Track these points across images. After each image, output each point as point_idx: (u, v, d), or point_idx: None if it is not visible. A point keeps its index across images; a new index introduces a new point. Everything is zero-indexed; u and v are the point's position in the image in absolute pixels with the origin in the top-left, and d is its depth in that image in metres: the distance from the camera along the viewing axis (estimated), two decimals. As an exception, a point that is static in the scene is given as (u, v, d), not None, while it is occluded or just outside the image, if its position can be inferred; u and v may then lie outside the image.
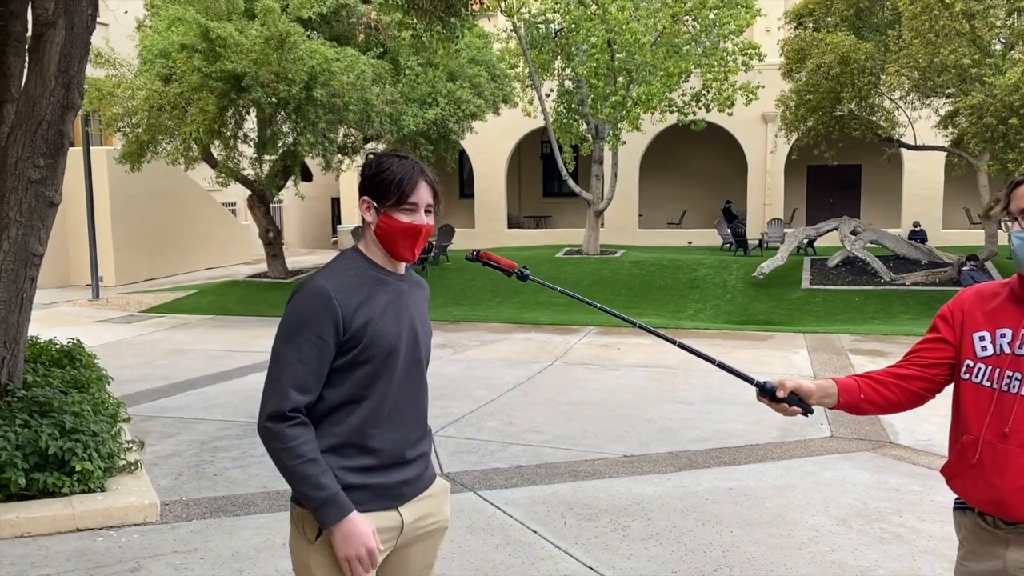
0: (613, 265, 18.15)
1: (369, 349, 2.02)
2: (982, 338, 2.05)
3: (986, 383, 2.01)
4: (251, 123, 14.90)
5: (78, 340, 6.89)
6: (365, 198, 2.10)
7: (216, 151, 15.17)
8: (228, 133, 14.27)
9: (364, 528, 1.97)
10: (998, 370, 1.99)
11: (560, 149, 19.01)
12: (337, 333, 1.99)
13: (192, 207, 20.82)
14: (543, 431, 6.71)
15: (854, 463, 5.95)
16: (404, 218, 2.06)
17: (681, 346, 2.33)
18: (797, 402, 2.11)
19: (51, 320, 13.58)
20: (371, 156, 2.16)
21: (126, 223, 18.62)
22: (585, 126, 19.36)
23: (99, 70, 14.75)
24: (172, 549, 4.15)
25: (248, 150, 15.18)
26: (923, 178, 22.14)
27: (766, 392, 2.12)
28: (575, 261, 18.78)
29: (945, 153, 18.33)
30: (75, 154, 17.69)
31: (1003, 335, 2.01)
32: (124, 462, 4.96)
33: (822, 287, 15.94)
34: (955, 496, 2.18)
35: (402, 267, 2.17)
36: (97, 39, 15.08)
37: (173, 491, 5.05)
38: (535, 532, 4.54)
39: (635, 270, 17.58)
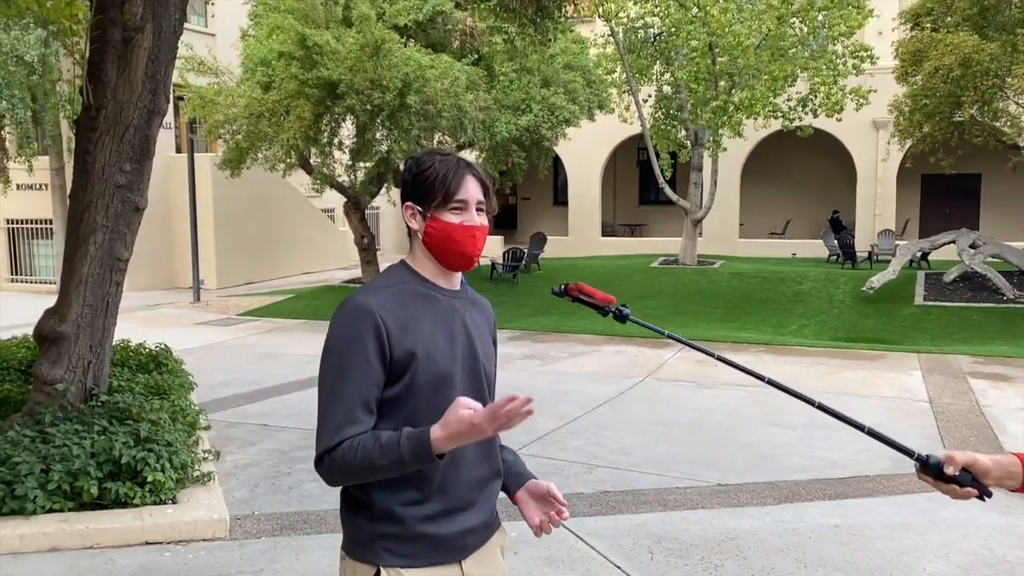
0: (711, 276, 17.52)
1: (419, 376, 1.77)
2: None
3: None
4: (347, 130, 15.02)
5: (165, 345, 6.93)
6: (409, 203, 1.86)
7: (312, 158, 15.36)
8: (324, 140, 14.40)
9: (451, 416, 1.62)
10: None
11: (657, 156, 18.51)
12: (383, 354, 1.75)
13: (292, 213, 21.25)
14: (631, 453, 6.34)
15: (977, 502, 5.36)
16: (454, 219, 1.82)
17: (820, 407, 1.91)
18: (971, 482, 1.66)
19: (153, 321, 14.01)
20: (410, 159, 1.91)
21: (228, 227, 19.13)
22: (684, 132, 18.80)
23: (202, 78, 15.15)
24: (238, 569, 4.01)
25: (343, 157, 15.31)
26: (1052, 188, 20.60)
27: (929, 469, 1.68)
28: (671, 272, 18.23)
29: (1078, 161, 16.97)
30: (180, 160, 18.39)
31: None
32: (198, 473, 4.87)
33: (937, 303, 14.92)
34: None
35: (457, 281, 1.92)
36: (201, 48, 15.58)
37: (246, 504, 4.93)
38: (619, 568, 4.20)
39: (734, 282, 16.90)
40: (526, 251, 18.76)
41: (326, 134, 14.34)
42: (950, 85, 14.44)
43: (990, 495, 1.66)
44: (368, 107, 12.80)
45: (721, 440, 6.74)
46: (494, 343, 2.04)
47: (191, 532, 4.30)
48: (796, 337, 13.02)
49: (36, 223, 19.20)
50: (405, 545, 1.77)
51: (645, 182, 26.26)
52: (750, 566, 4.27)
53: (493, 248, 21.89)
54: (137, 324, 13.28)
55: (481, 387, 1.89)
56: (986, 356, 10.82)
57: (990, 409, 7.84)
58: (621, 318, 1.97)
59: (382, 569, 1.76)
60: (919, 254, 17.81)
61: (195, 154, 17.07)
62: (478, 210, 1.84)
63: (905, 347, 11.78)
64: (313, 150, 14.70)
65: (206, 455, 5.24)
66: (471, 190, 1.82)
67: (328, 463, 1.72)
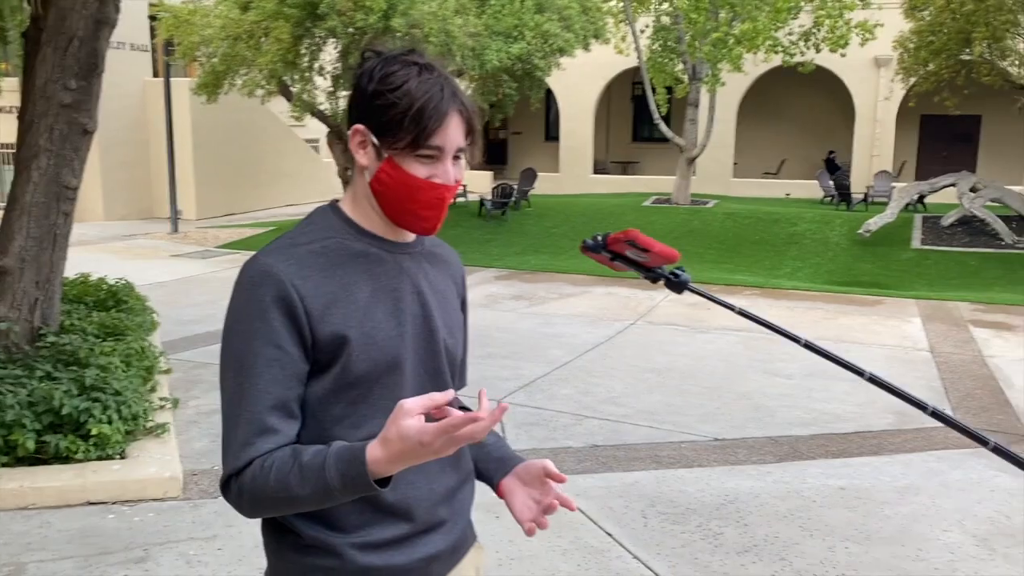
0: (704, 216, 17.08)
1: (353, 367, 1.29)
2: None
3: None
4: (328, 55, 14.31)
5: (126, 280, 6.46)
6: (360, 128, 1.31)
7: (292, 84, 14.67)
8: (304, 65, 13.70)
9: (392, 430, 1.13)
10: None
11: (653, 90, 17.83)
12: (302, 340, 1.26)
13: (274, 142, 20.56)
14: (623, 403, 5.99)
15: (988, 462, 5.03)
16: (421, 170, 1.29)
17: (837, 360, 1.43)
18: None
19: (127, 252, 13.51)
20: (372, 59, 1.32)
21: (207, 156, 18.45)
22: (681, 66, 18.10)
23: (176, -4, 14.35)
24: (188, 535, 3.63)
25: (325, 83, 14.62)
26: (1054, 131, 20.13)
27: (1007, 458, 1.22)
28: (663, 211, 17.77)
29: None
30: (157, 85, 17.60)
31: None
32: (152, 424, 4.46)
33: (935, 248, 14.58)
34: None
35: (409, 233, 1.41)
36: (177, -35, 14.70)
37: (206, 457, 4.53)
38: (610, 536, 3.85)
39: (728, 222, 16.48)
40: (516, 187, 18.22)
41: (306, 58, 13.64)
42: (960, 21, 13.85)
43: None
44: (350, 29, 12.12)
45: (716, 390, 6.40)
46: (463, 308, 1.54)
47: (139, 491, 3.91)
48: (791, 280, 12.67)
49: (4, 148, 18.47)
50: None
51: (639, 118, 25.57)
52: (752, 534, 3.93)
53: (482, 184, 21.31)
54: (110, 255, 12.78)
55: (441, 373, 1.42)
56: (987, 304, 10.50)
57: (994, 360, 7.53)
58: (677, 286, 1.45)
59: None
60: (916, 197, 17.39)
61: (172, 78, 16.32)
62: (455, 158, 1.32)
63: (903, 292, 11.45)
64: (293, 75, 14.01)
65: (163, 403, 4.83)
66: (452, 133, 1.29)
67: (236, 490, 1.24)
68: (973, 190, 15.61)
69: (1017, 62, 15.15)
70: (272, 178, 20.68)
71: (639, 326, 8.75)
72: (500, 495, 1.51)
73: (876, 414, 5.88)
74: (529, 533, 1.46)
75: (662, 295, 10.54)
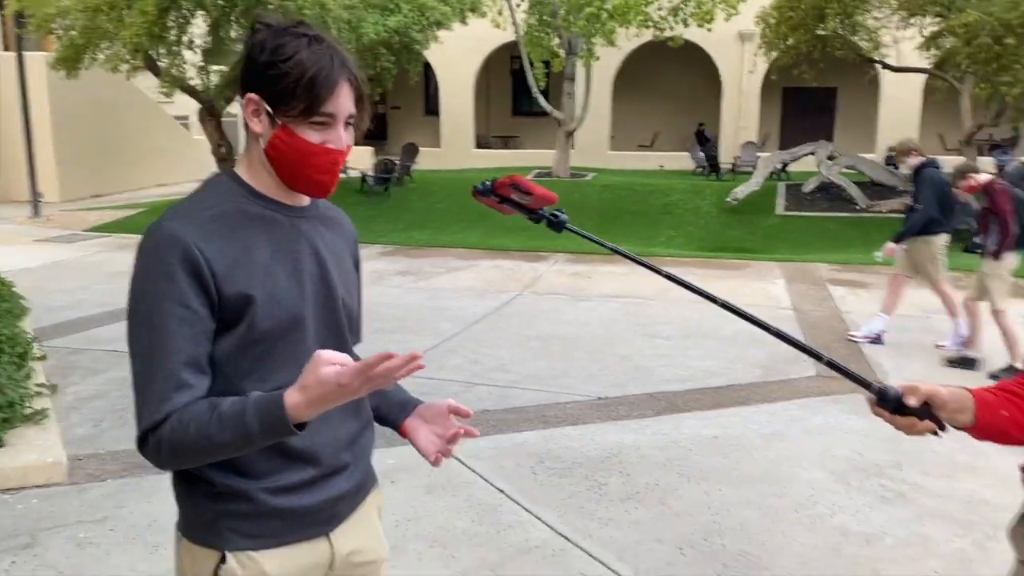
0: (584, 189, 17.49)
1: (258, 324, 1.37)
2: None
3: None
4: (198, 28, 13.76)
5: (-9, 266, 6.14)
6: (253, 97, 1.38)
7: (159, 59, 14.05)
8: (171, 38, 13.13)
9: (310, 377, 1.23)
10: None
11: (531, 64, 18.05)
12: (209, 299, 1.33)
13: (141, 120, 19.63)
14: (511, 370, 6.18)
15: (843, 407, 5.51)
16: (314, 136, 1.38)
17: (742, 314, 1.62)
18: (930, 414, 1.47)
19: (-17, 239, 12.71)
20: (263, 32, 1.38)
21: (69, 135, 17.45)
22: (557, 40, 18.37)
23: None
24: (77, 518, 3.57)
25: (195, 58, 14.07)
26: (901, 102, 21.57)
27: (887, 402, 1.46)
28: (545, 184, 17.95)
29: (925, 77, 17.76)
30: (8, 59, 16.47)
31: None
32: (30, 410, 4.32)
33: (797, 214, 15.47)
34: None
35: (304, 196, 1.50)
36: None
37: (89, 442, 4.44)
38: (502, 492, 4.03)
39: (606, 194, 16.94)
40: (398, 162, 18.10)
41: (173, 31, 13.07)
42: (816, -3, 14.64)
43: (945, 430, 1.49)
44: (220, 2, 11.70)
45: (599, 353, 6.68)
46: (357, 268, 1.64)
47: (21, 479, 3.80)
48: (666, 248, 13.21)
49: None
50: (256, 523, 1.41)
51: (519, 92, 25.77)
52: (634, 482, 4.20)
53: (363, 159, 21.05)
54: (-36, 242, 12.01)
55: (340, 329, 1.52)
56: (843, 264, 11.29)
57: (850, 315, 8.15)
58: (556, 225, 1.61)
59: (228, 555, 1.41)
60: (780, 166, 18.35)
61: (25, 52, 15.32)
62: (346, 125, 1.41)
63: (768, 256, 12.15)
64: (160, 50, 13.42)
65: (40, 389, 4.67)
66: (343, 101, 1.38)
67: (154, 444, 1.31)
68: (830, 158, 16.62)
69: (867, 37, 16.15)
70: (140, 157, 19.76)
71: (525, 296, 8.96)
72: (404, 435, 1.64)
73: (745, 369, 6.30)
74: (435, 463, 1.60)
75: (546, 266, 10.81)
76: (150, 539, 3.44)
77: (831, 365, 1.54)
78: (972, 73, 13.24)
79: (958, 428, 1.51)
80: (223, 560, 1.41)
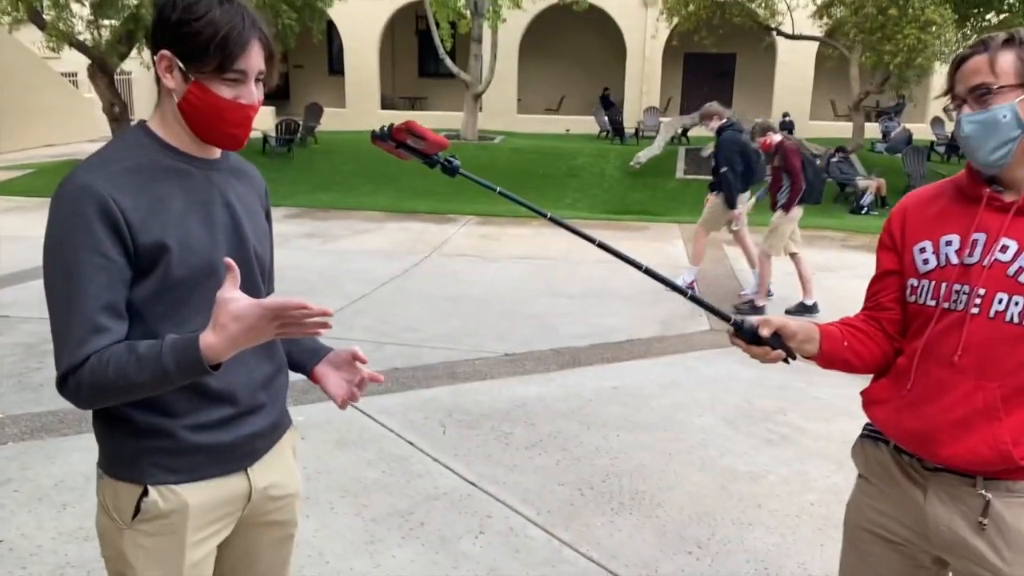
0: (492, 152, 17.59)
1: (173, 271, 1.44)
2: (923, 250, 1.67)
3: (930, 302, 1.64)
4: (86, -21, 13.14)
5: None
6: (166, 54, 1.44)
7: (45, 11, 13.33)
8: (57, -10, 12.50)
9: (221, 316, 1.32)
10: (944, 285, 1.62)
11: (437, 25, 17.92)
12: (124, 247, 1.40)
13: (24, 76, 18.59)
14: (420, 329, 6.29)
15: (735, 358, 5.82)
16: (227, 92, 1.45)
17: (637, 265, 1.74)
18: (781, 344, 1.65)
19: None
20: None
21: (-56, 92, 16.45)
22: (463, 1, 18.29)
23: None
24: (-20, 481, 3.54)
25: (84, 11, 13.42)
26: (795, 69, 22.39)
27: (743, 332, 1.65)
28: (453, 147, 17.97)
29: (817, 44, 18.48)
30: None
31: (948, 242, 1.63)
32: (-78, 376, 4.20)
33: (696, 177, 15.97)
34: (866, 422, 1.81)
35: (215, 149, 1.57)
36: None
37: (-12, 407, 4.35)
38: (411, 444, 4.16)
39: (514, 157, 17.09)
40: (301, 123, 17.75)
41: (60, -18, 12.44)
42: (715, -36, 15.02)
43: (795, 357, 1.69)
44: (110, -47, 11.19)
45: (507, 312, 6.85)
46: (268, 219, 1.73)
47: (-82, 444, 3.72)
48: (572, 210, 13.48)
49: None
50: (178, 458, 1.50)
51: (425, 53, 25.52)
52: (538, 431, 4.40)
53: (265, 120, 20.51)
54: None
55: (253, 277, 1.59)
56: (739, 225, 11.76)
57: (742, 273, 8.56)
58: (450, 170, 1.72)
59: (150, 488, 1.49)
60: (680, 130, 18.85)
61: None
62: (257, 80, 1.48)
63: (668, 218, 12.56)
64: (45, 1, 12.74)
65: (-68, 355, 4.53)
66: (254, 58, 1.45)
67: (75, 384, 1.38)
68: (728, 123, 17.16)
69: (763, 5, 16.69)
70: (27, 116, 18.76)
71: (433, 259, 9.05)
72: (314, 380, 1.75)
73: (645, 325, 6.58)
74: (342, 406, 1.72)
75: (455, 228, 10.90)
76: (57, 499, 3.43)
77: (694, 300, 1.72)
78: (859, 42, 13.89)
79: (807, 358, 1.72)
80: (145, 493, 1.49)
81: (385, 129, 1.73)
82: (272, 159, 16.40)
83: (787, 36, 17.48)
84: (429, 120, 22.40)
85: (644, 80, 23.42)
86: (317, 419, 4.36)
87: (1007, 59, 1.52)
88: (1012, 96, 1.52)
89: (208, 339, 1.33)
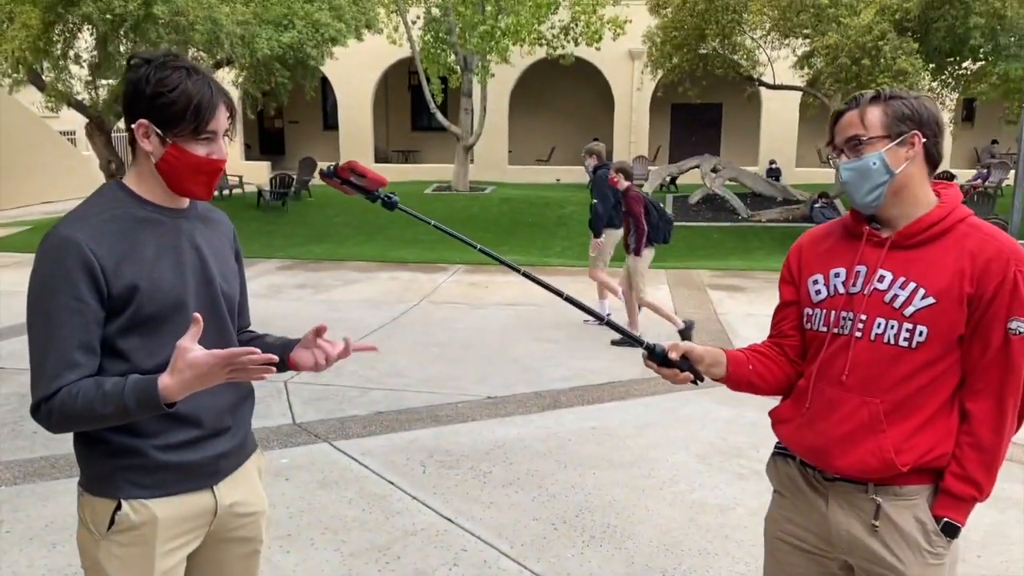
0: (483, 202, 17.90)
1: (144, 309, 1.64)
2: (816, 282, 1.88)
3: (822, 328, 1.84)
4: (85, 41, 13.51)
5: None
6: (144, 122, 1.65)
7: (44, 73, 13.72)
8: (57, 52, 12.87)
9: (179, 362, 1.51)
10: (832, 313, 1.82)
11: (428, 80, 18.39)
12: (99, 292, 1.60)
13: (24, 135, 18.99)
14: (406, 374, 6.45)
15: (712, 398, 6.00)
16: (201, 150, 1.67)
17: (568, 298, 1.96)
18: (689, 367, 1.85)
19: None
20: (137, 63, 1.67)
21: (-56, 152, 16.78)
22: (453, 56, 18.78)
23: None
24: (-27, 523, 3.67)
25: (82, 72, 13.81)
26: (780, 117, 22.87)
27: (655, 356, 1.84)
28: (445, 198, 18.40)
29: (800, 93, 18.95)
30: None
31: (837, 275, 1.84)
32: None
33: (684, 224, 16.20)
34: (776, 441, 2.01)
35: (184, 199, 1.78)
36: None
37: (-18, 453, 4.49)
38: (391, 483, 4.30)
39: (504, 207, 17.39)
40: (295, 177, 18.10)
41: (59, 45, 12.82)
42: (696, 19, 15.50)
43: (702, 379, 1.88)
44: (108, 16, 11.58)
45: (491, 357, 7.02)
46: (238, 259, 1.93)
47: (-85, 488, 3.86)
48: (560, 258, 13.70)
49: None
50: (148, 475, 1.68)
51: (418, 108, 26.06)
52: (516, 470, 4.54)
53: (260, 175, 20.91)
54: None
55: (220, 310, 1.79)
56: (724, 270, 12.01)
57: (725, 316, 8.75)
58: (389, 205, 1.90)
59: (123, 502, 1.67)
60: (668, 178, 19.23)
61: None
62: (223, 135, 1.72)
63: (655, 264, 12.71)
64: (45, 64, 13.13)
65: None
66: (221, 119, 1.69)
67: (46, 412, 1.58)
68: (714, 171, 17.54)
69: (744, 56, 17.17)
70: (25, 174, 19.11)
71: (422, 306, 9.23)
72: (293, 367, 1.89)
73: (625, 367, 6.74)
74: (317, 369, 1.86)
75: (443, 276, 11.11)
76: (48, 538, 3.56)
77: (610, 325, 1.92)
78: (836, 91, 14.30)
79: (715, 380, 1.91)
80: (119, 507, 1.67)
81: (331, 168, 1.91)
82: (267, 213, 16.70)
83: (768, 86, 17.93)
84: (423, 172, 22.85)
85: (632, 130, 23.90)
86: (300, 461, 4.50)
87: (875, 113, 1.74)
88: (880, 145, 1.74)
89: (165, 381, 1.53)
